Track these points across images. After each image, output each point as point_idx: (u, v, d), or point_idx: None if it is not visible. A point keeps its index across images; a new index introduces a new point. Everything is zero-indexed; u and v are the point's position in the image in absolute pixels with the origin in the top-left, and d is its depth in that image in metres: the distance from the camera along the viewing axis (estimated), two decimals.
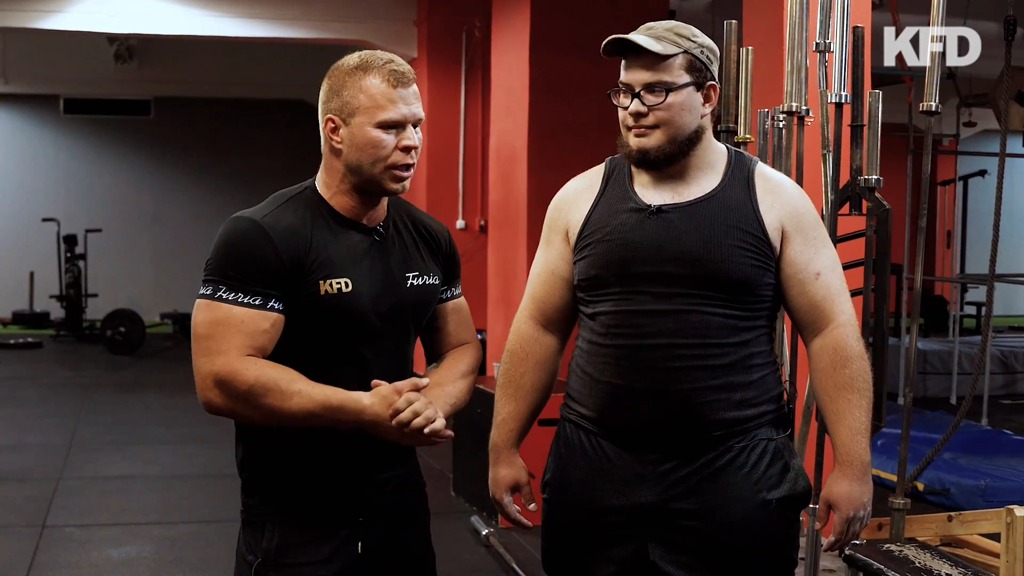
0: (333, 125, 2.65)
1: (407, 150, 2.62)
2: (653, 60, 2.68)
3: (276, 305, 2.57)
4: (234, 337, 2.53)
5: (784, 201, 2.76)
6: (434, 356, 2.93)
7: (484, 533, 6.11)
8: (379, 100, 2.59)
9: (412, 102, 2.63)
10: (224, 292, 2.55)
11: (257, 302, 2.55)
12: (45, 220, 16.39)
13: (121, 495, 7.32)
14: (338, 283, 2.60)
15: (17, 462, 8.19)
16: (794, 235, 2.74)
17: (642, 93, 2.69)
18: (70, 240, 15.93)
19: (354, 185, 2.66)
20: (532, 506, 2.95)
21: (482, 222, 11.38)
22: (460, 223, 11.56)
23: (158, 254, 17.81)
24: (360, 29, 11.77)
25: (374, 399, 2.54)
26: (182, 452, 8.55)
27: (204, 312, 2.56)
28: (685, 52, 2.69)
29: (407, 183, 2.66)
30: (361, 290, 2.63)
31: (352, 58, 2.65)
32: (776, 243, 2.72)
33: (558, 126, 8.48)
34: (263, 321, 2.55)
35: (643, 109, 2.69)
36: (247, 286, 2.55)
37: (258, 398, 2.51)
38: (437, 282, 2.81)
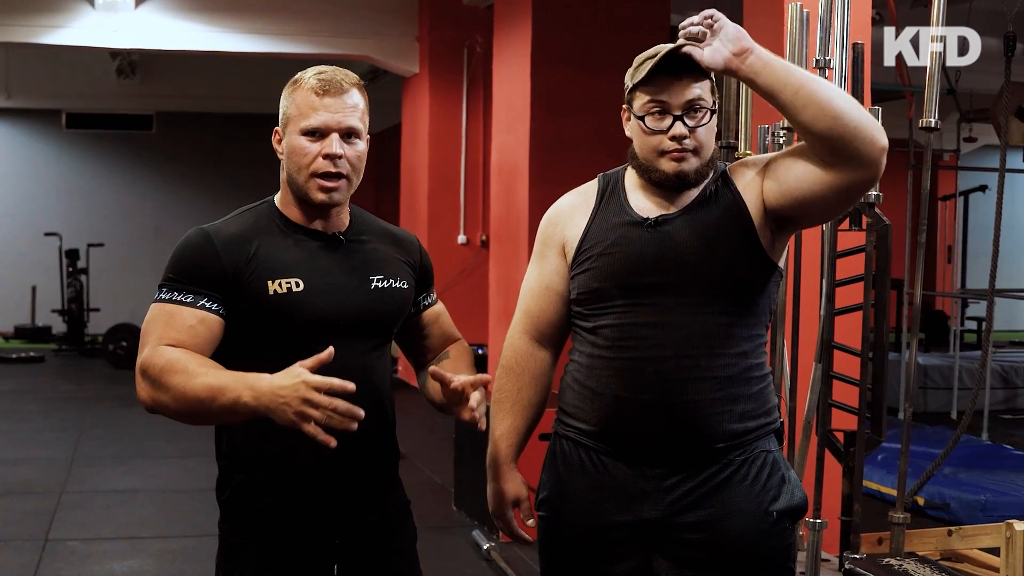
0: (277, 138, 2.71)
1: (329, 158, 2.60)
2: (691, 81, 2.66)
3: (208, 304, 2.56)
4: (158, 330, 2.54)
5: (748, 170, 2.77)
6: (422, 364, 2.93)
7: (485, 547, 6.11)
8: (303, 108, 2.62)
9: (338, 111, 2.61)
10: (163, 293, 2.59)
11: (188, 300, 2.55)
12: (47, 234, 16.41)
13: (123, 509, 7.32)
14: (288, 283, 2.59)
15: (19, 476, 8.20)
16: (764, 170, 2.73)
17: (683, 115, 2.67)
18: (72, 254, 15.95)
19: (294, 196, 2.69)
20: (531, 521, 2.95)
21: (483, 237, 11.41)
22: (462, 238, 11.59)
23: (160, 268, 17.12)
24: (362, 45, 11.81)
25: (277, 376, 2.36)
26: (184, 466, 8.55)
27: (148, 314, 2.60)
28: (710, 77, 2.71)
29: (337, 195, 2.63)
30: (315, 290, 2.61)
31: (296, 75, 2.71)
32: (758, 220, 2.72)
33: (559, 141, 8.51)
34: (190, 317, 2.54)
35: (686, 132, 2.66)
36: (183, 287, 2.57)
37: (167, 378, 2.43)
38: (406, 287, 2.78)
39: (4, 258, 17.63)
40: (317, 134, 2.61)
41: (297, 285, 2.59)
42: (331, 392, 2.30)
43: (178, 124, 17.72)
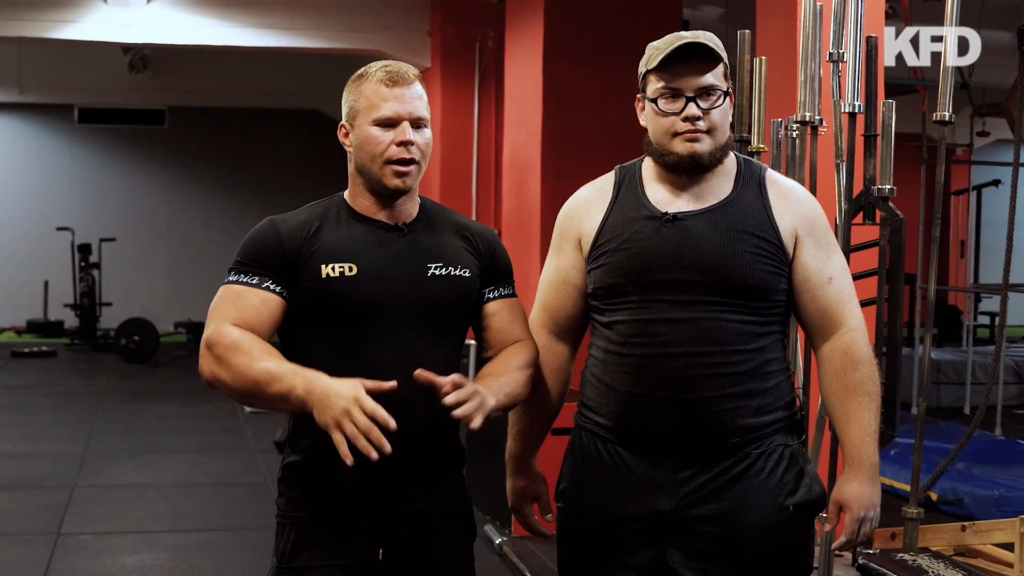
0: (344, 131, 2.80)
1: (403, 145, 2.70)
2: (705, 67, 2.69)
3: (272, 286, 2.69)
4: (226, 308, 2.67)
5: (797, 206, 2.78)
6: (486, 359, 2.93)
7: (498, 542, 6.11)
8: (373, 100, 2.72)
9: (408, 100, 2.72)
10: (231, 276, 2.72)
11: (254, 281, 2.69)
12: (59, 229, 16.44)
13: (135, 503, 7.33)
14: (340, 267, 2.69)
15: (32, 470, 8.22)
16: (807, 240, 2.75)
17: (695, 97, 2.69)
18: (84, 249, 15.96)
19: (365, 186, 2.77)
20: (549, 516, 2.96)
21: (496, 231, 11.39)
22: None
23: (172, 263, 17.85)
24: (374, 39, 11.79)
25: (337, 381, 2.48)
26: (196, 461, 8.57)
27: (216, 296, 2.72)
28: (724, 62, 2.72)
29: (409, 179, 2.72)
30: (368, 276, 2.69)
31: (359, 70, 2.80)
32: (790, 248, 2.74)
33: (571, 136, 8.48)
34: (254, 297, 2.68)
35: (698, 113, 2.68)
36: (248, 268, 2.71)
37: (230, 356, 2.57)
38: (468, 275, 2.81)
39: (17, 253, 17.65)
40: (389, 124, 2.71)
41: (350, 270, 2.69)
42: (375, 420, 2.41)
43: (190, 119, 17.72)
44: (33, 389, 12.25)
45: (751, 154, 4.17)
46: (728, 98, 2.75)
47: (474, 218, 11.54)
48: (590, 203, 2.87)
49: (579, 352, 2.99)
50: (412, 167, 2.71)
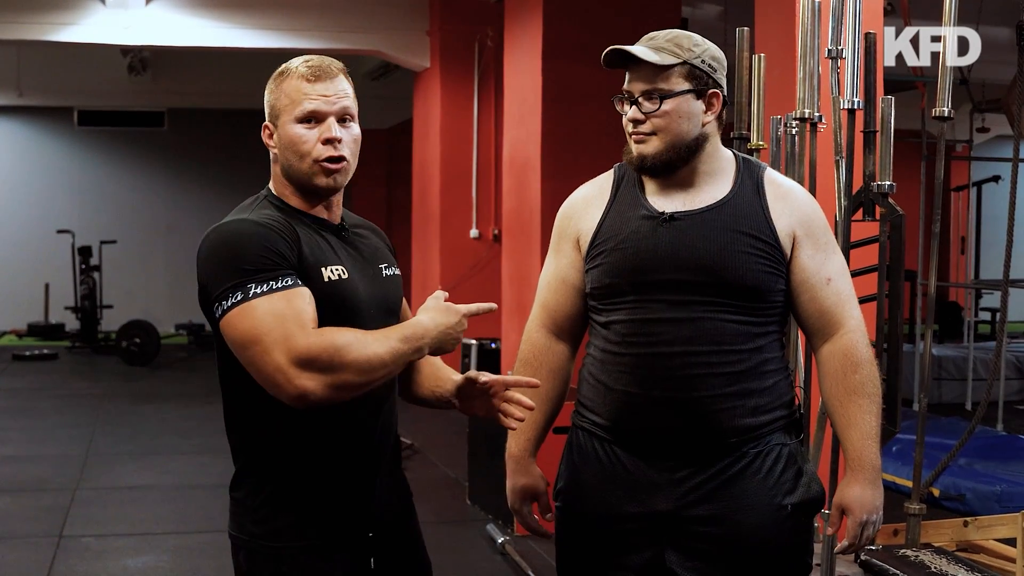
0: (268, 132, 2.66)
1: (328, 142, 2.57)
2: (652, 69, 2.70)
3: (301, 281, 2.48)
4: (288, 322, 2.40)
5: (795, 207, 2.77)
6: None
7: (500, 541, 6.11)
8: (295, 97, 2.57)
9: (331, 94, 2.58)
10: (255, 288, 2.43)
11: (289, 283, 2.45)
12: (60, 232, 16.45)
13: (137, 505, 7.34)
14: (336, 270, 2.56)
15: (34, 473, 8.22)
16: (805, 240, 2.75)
17: (640, 100, 2.71)
18: (85, 252, 15.97)
19: (295, 187, 2.64)
20: (549, 516, 2.96)
21: (496, 231, 11.40)
22: (474, 232, 11.57)
23: (172, 265, 17.85)
24: (373, 40, 11.81)
25: (429, 313, 2.54)
26: (198, 462, 8.57)
27: (245, 319, 2.43)
28: (684, 63, 2.70)
29: (339, 177, 2.60)
30: (356, 278, 2.61)
31: (280, 67, 2.66)
32: (787, 249, 2.73)
33: (571, 135, 8.50)
34: (298, 300, 2.44)
35: (640, 116, 2.70)
36: (274, 273, 2.45)
37: (344, 356, 2.38)
38: (399, 274, 2.79)
39: (17, 256, 17.67)
40: (313, 120, 2.57)
41: (344, 273, 2.57)
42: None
43: (190, 120, 17.74)
44: (34, 392, 12.25)
45: (750, 151, 4.18)
46: (692, 97, 2.71)
47: (475, 218, 11.60)
48: (588, 202, 2.87)
49: (578, 351, 2.99)
50: (342, 164, 2.59)
